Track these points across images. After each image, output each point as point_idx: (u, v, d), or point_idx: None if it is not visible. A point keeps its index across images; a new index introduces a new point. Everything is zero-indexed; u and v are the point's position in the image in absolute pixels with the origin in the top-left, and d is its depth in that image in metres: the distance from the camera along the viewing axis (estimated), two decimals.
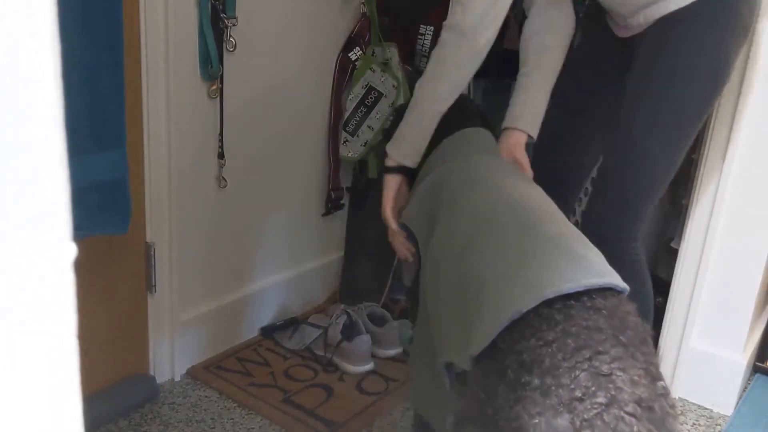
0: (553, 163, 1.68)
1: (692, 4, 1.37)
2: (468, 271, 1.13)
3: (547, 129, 1.55)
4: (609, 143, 1.58)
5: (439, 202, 1.31)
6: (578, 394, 0.86)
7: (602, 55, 1.64)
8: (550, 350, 0.90)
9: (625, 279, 1.04)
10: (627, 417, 0.84)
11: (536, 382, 0.88)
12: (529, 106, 1.51)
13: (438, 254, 1.23)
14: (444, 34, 1.41)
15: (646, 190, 1.53)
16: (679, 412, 2.01)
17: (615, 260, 1.36)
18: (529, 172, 1.49)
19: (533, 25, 1.54)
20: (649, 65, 1.44)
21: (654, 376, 0.91)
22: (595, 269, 1.04)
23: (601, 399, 0.85)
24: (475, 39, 1.38)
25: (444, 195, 1.31)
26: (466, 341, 1.06)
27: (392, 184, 1.52)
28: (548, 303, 0.97)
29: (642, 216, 1.56)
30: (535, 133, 1.51)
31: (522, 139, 1.50)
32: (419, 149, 1.48)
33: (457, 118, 1.49)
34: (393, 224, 1.50)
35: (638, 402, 0.86)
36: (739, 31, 1.42)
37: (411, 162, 1.49)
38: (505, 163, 1.46)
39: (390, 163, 1.51)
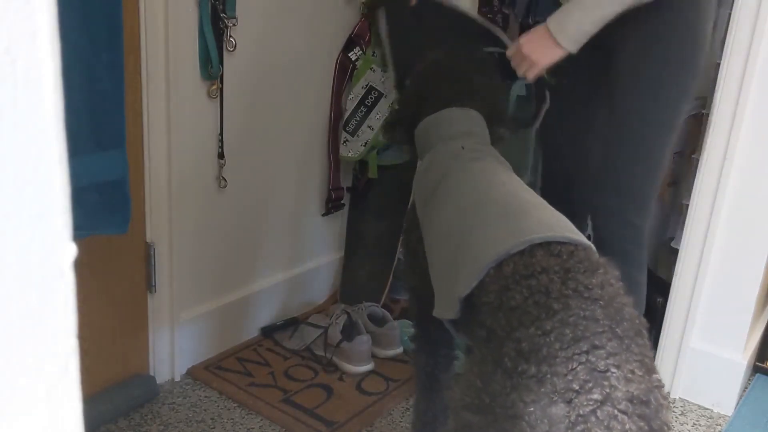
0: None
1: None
2: (452, 220, 1.22)
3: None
4: (612, 135, 1.62)
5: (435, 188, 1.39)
6: (575, 386, 0.88)
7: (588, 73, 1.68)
8: (548, 339, 0.92)
9: (624, 271, 1.09)
10: (620, 415, 0.87)
11: (533, 370, 0.90)
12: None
13: (431, 212, 1.32)
14: None
15: (650, 177, 1.61)
16: (680, 413, 2.01)
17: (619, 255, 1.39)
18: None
19: None
20: (644, 55, 1.54)
21: (649, 368, 0.93)
22: (573, 228, 1.14)
23: (596, 395, 0.87)
24: None
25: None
26: (448, 290, 1.13)
27: None
28: (545, 293, 0.99)
29: (649, 206, 1.62)
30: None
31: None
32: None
33: (445, 91, 1.47)
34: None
35: (630, 399, 0.88)
36: (711, 12, 1.56)
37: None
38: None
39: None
